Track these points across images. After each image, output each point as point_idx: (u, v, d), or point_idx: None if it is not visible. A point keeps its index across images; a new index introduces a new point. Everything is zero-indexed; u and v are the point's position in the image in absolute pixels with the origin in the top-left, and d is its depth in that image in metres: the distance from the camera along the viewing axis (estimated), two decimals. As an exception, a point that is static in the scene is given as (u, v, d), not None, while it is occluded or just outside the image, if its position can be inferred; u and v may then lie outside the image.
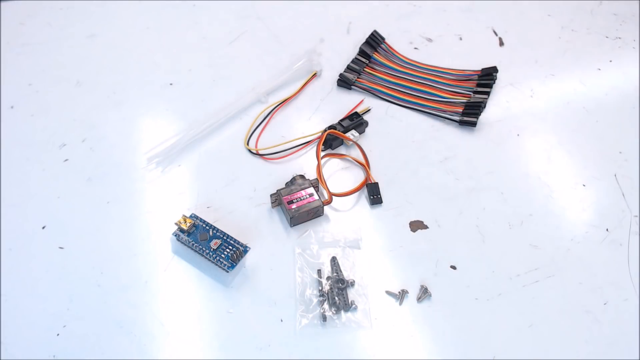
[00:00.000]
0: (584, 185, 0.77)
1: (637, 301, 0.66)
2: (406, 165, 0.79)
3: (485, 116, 0.85)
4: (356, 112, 0.84)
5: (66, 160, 0.80)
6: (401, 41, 0.96)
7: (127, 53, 0.94)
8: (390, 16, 1.01)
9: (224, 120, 0.84)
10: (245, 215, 0.74)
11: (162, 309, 0.66)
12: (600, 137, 0.83)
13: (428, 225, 0.73)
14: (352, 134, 0.81)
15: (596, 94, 0.88)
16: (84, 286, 0.67)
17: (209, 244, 0.68)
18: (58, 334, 0.64)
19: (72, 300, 0.66)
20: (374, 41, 0.93)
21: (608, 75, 0.91)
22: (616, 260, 0.70)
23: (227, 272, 0.67)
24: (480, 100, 0.85)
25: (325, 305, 0.66)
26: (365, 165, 0.78)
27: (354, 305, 0.65)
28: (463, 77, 0.89)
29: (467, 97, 0.86)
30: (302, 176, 0.75)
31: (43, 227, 0.72)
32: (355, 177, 0.78)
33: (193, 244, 0.68)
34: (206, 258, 0.68)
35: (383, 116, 0.86)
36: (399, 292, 0.67)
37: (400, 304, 0.66)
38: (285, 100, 0.87)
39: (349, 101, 0.87)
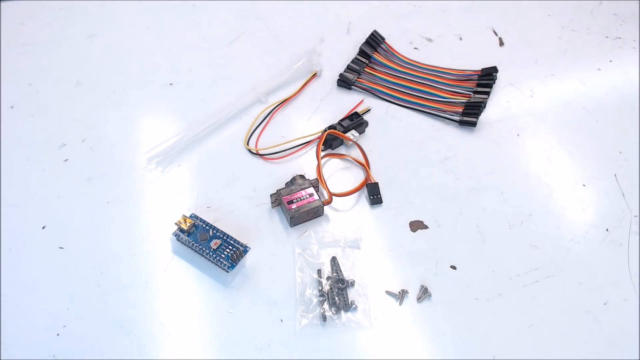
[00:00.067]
0: (584, 185, 0.77)
1: (637, 301, 0.66)
2: (406, 165, 0.79)
3: (485, 116, 0.85)
4: (356, 112, 0.84)
5: (66, 160, 0.80)
6: (401, 41, 0.96)
7: (127, 53, 0.94)
8: (390, 16, 1.01)
9: (224, 120, 0.84)
10: (245, 215, 0.74)
11: (162, 309, 0.66)
12: (600, 137, 0.83)
13: (428, 225, 0.73)
14: (352, 134, 0.81)
15: (596, 94, 0.88)
16: (84, 286, 0.67)
17: (209, 244, 0.68)
18: (58, 334, 0.64)
19: (72, 300, 0.66)
20: (374, 41, 0.93)
21: (608, 75, 0.91)
22: (616, 260, 0.70)
23: (227, 272, 0.67)
24: (480, 100, 0.85)
25: (325, 305, 0.66)
26: (365, 165, 0.78)
27: (354, 305, 0.65)
28: (463, 77, 0.89)
29: (467, 97, 0.86)
30: (302, 176, 0.75)
31: (43, 227, 0.72)
32: (355, 177, 0.78)
33: (193, 244, 0.68)
34: (206, 258, 0.68)
35: (383, 116, 0.86)
36: (399, 292, 0.67)
37: (400, 304, 0.66)
38: (285, 100, 0.87)
39: (349, 101, 0.87)
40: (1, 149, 0.80)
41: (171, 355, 0.63)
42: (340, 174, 0.79)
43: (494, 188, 0.77)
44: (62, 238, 0.71)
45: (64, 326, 0.64)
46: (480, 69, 0.90)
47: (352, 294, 0.67)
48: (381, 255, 0.70)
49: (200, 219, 0.71)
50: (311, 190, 0.73)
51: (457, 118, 0.84)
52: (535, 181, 0.78)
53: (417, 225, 0.73)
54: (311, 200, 0.72)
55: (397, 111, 0.86)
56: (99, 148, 0.81)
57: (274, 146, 0.80)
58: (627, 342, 0.63)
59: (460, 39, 0.97)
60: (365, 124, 0.83)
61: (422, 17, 1.01)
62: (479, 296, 0.67)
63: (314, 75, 0.90)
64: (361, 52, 0.92)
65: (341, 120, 0.82)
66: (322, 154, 0.80)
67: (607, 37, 0.97)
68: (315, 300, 0.66)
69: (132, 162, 0.79)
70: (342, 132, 0.80)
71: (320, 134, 0.80)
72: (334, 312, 0.65)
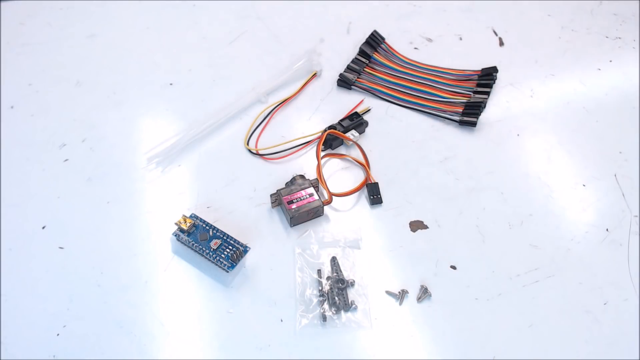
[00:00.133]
0: (584, 185, 0.77)
1: (637, 301, 0.66)
2: (406, 165, 0.79)
3: (485, 116, 0.85)
4: (356, 112, 0.84)
5: (66, 160, 0.80)
6: (401, 41, 0.96)
7: (127, 53, 0.94)
8: (390, 16, 1.01)
9: (224, 120, 0.84)
10: (245, 215, 0.74)
11: (162, 309, 0.66)
12: (600, 137, 0.83)
13: (428, 225, 0.73)
14: (352, 134, 0.81)
15: (596, 94, 0.88)
16: (84, 286, 0.67)
17: (209, 244, 0.68)
18: (58, 334, 0.64)
19: (72, 300, 0.66)
20: (374, 41, 0.93)
21: (608, 75, 0.91)
22: (616, 260, 0.70)
23: (227, 272, 0.67)
24: (480, 100, 0.85)
25: (325, 305, 0.66)
26: (365, 165, 0.78)
27: (354, 305, 0.65)
28: (463, 77, 0.89)
29: (467, 97, 0.86)
30: (302, 176, 0.75)
31: (43, 227, 0.72)
32: (355, 177, 0.78)
33: (193, 244, 0.68)
34: (206, 258, 0.68)
35: (383, 116, 0.86)
36: (399, 292, 0.67)
37: (400, 304, 0.66)
38: (285, 100, 0.87)
39: (349, 101, 0.87)
40: (1, 149, 0.80)
41: (171, 355, 0.63)
42: (340, 174, 0.79)
43: (494, 188, 0.77)
44: (62, 238, 0.71)
45: (64, 326, 0.64)
46: (480, 69, 0.90)
47: (352, 294, 0.67)
48: (381, 255, 0.70)
49: (200, 219, 0.71)
50: (311, 190, 0.73)
51: (457, 118, 0.84)
52: (535, 181, 0.78)
53: (417, 225, 0.73)
54: (311, 200, 0.72)
55: (397, 111, 0.86)
56: (99, 148, 0.81)
57: (274, 146, 0.80)
58: (627, 342, 0.63)
59: (460, 39, 0.97)
60: (365, 124, 0.83)
61: (422, 17, 1.01)
62: (479, 296, 0.67)
63: (314, 75, 0.90)
64: (361, 52, 0.92)
65: (341, 120, 0.82)
66: (322, 154, 0.80)
67: (607, 37, 0.97)
68: (315, 300, 0.66)
69: (132, 162, 0.79)
70: (342, 132, 0.80)
71: (320, 134, 0.80)
72: (334, 312, 0.65)
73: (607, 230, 0.72)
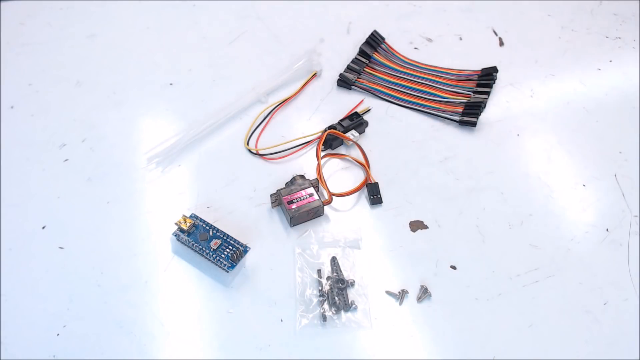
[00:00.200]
0: (584, 185, 0.77)
1: (637, 301, 0.66)
2: (406, 165, 0.79)
3: (485, 116, 0.85)
4: (356, 112, 0.84)
5: (66, 160, 0.80)
6: (401, 41, 0.96)
7: (127, 53, 0.94)
8: (390, 16, 1.01)
9: (224, 120, 0.84)
10: (245, 215, 0.74)
11: (162, 309, 0.66)
12: (600, 137, 0.83)
13: (428, 225, 0.73)
14: (352, 134, 0.81)
15: (596, 94, 0.88)
16: (84, 286, 0.67)
17: (209, 244, 0.68)
18: (58, 334, 0.64)
19: (72, 300, 0.66)
20: (374, 41, 0.93)
21: (608, 75, 0.91)
22: (616, 260, 0.70)
23: (227, 272, 0.67)
24: (480, 100, 0.85)
25: (325, 305, 0.66)
26: (365, 165, 0.78)
27: (354, 305, 0.65)
28: (463, 77, 0.89)
29: (467, 97, 0.86)
30: (302, 176, 0.75)
31: (43, 227, 0.72)
32: (355, 177, 0.78)
33: (193, 244, 0.68)
34: (206, 258, 0.68)
35: (383, 116, 0.86)
36: (399, 292, 0.67)
37: (400, 304, 0.66)
38: (285, 100, 0.87)
39: (349, 101, 0.87)
40: (1, 149, 0.80)
41: (171, 355, 0.63)
42: (340, 174, 0.79)
43: (494, 188, 0.77)
44: (62, 238, 0.71)
45: (64, 326, 0.64)
46: (480, 69, 0.90)
47: (352, 294, 0.67)
48: (381, 255, 0.70)
49: (200, 219, 0.71)
50: (311, 190, 0.73)
51: (457, 118, 0.84)
52: (535, 181, 0.78)
53: (417, 225, 0.73)
54: (311, 200, 0.72)
55: (397, 111, 0.86)
56: (99, 148, 0.81)
57: (274, 146, 0.80)
58: (627, 342, 0.63)
59: (460, 39, 0.97)
60: (365, 124, 0.83)
61: (422, 17, 1.01)
62: (479, 296, 0.67)
63: (314, 75, 0.90)
64: (361, 52, 0.92)
65: (341, 120, 0.82)
66: (322, 154, 0.80)
67: (607, 37, 0.97)
68: (315, 300, 0.66)
69: (132, 162, 0.79)
70: (342, 132, 0.80)
71: (320, 134, 0.80)
72: (334, 312, 0.65)
73: (607, 230, 0.72)
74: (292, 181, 0.75)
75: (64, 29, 0.98)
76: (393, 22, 0.99)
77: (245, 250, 0.68)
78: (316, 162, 0.77)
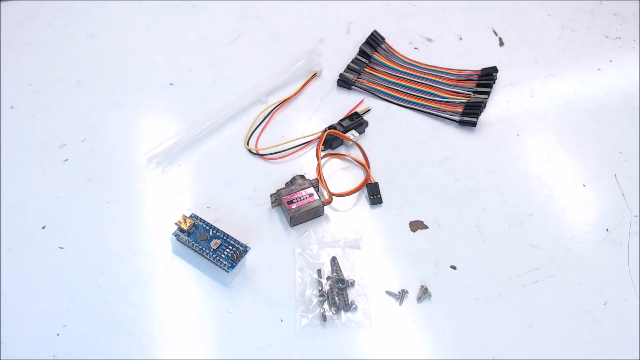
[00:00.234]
0: (584, 185, 0.77)
1: (637, 301, 0.66)
2: (406, 165, 0.79)
3: (485, 116, 0.85)
4: (356, 112, 0.84)
5: (66, 160, 0.80)
6: (401, 41, 0.96)
7: (127, 53, 0.94)
8: (390, 16, 1.01)
9: (224, 120, 0.84)
10: (245, 215, 0.74)
11: (162, 309, 0.66)
12: (600, 137, 0.83)
13: (428, 225, 0.73)
14: (352, 134, 0.81)
15: (596, 94, 0.88)
16: (84, 286, 0.67)
17: (209, 244, 0.68)
18: (58, 334, 0.64)
19: (72, 300, 0.66)
20: (374, 41, 0.93)
21: (608, 75, 0.91)
22: (616, 260, 0.70)
23: (227, 272, 0.67)
24: (480, 100, 0.85)
25: (325, 305, 0.66)
26: (365, 165, 0.78)
27: (354, 305, 0.65)
28: (463, 77, 0.89)
29: (467, 97, 0.86)
30: (302, 176, 0.75)
31: (43, 227, 0.72)
32: (355, 177, 0.78)
33: (193, 244, 0.68)
34: (206, 258, 0.68)
35: (383, 116, 0.86)
36: (399, 292, 0.67)
37: (400, 304, 0.66)
38: (285, 100, 0.87)
39: (349, 101, 0.87)
40: (1, 149, 0.80)
41: (171, 355, 0.63)
42: (340, 174, 0.79)
43: (494, 188, 0.77)
44: (62, 238, 0.71)
45: (64, 326, 0.64)
46: (480, 69, 0.90)
47: (352, 294, 0.67)
48: (381, 255, 0.70)
49: (200, 219, 0.71)
50: (311, 190, 0.73)
51: (457, 118, 0.84)
52: (535, 181, 0.78)
53: (417, 225, 0.73)
54: (311, 200, 0.72)
55: (397, 111, 0.86)
56: (99, 148, 0.81)
57: (274, 146, 0.80)
58: (627, 342, 0.63)
59: (460, 39, 0.97)
60: (365, 124, 0.83)
61: (422, 17, 1.01)
62: (479, 296, 0.67)
63: (314, 75, 0.90)
64: (361, 52, 0.92)
65: (341, 120, 0.82)
66: (322, 154, 0.80)
67: (607, 37, 0.97)
68: (315, 300, 0.66)
69: (132, 162, 0.79)
70: (342, 132, 0.80)
71: (320, 134, 0.80)
72: (334, 312, 0.65)
73: (607, 230, 0.72)
74: (292, 181, 0.75)
75: (64, 29, 0.98)
76: (393, 22, 0.99)
77: (245, 250, 0.68)
78: (316, 162, 0.77)
